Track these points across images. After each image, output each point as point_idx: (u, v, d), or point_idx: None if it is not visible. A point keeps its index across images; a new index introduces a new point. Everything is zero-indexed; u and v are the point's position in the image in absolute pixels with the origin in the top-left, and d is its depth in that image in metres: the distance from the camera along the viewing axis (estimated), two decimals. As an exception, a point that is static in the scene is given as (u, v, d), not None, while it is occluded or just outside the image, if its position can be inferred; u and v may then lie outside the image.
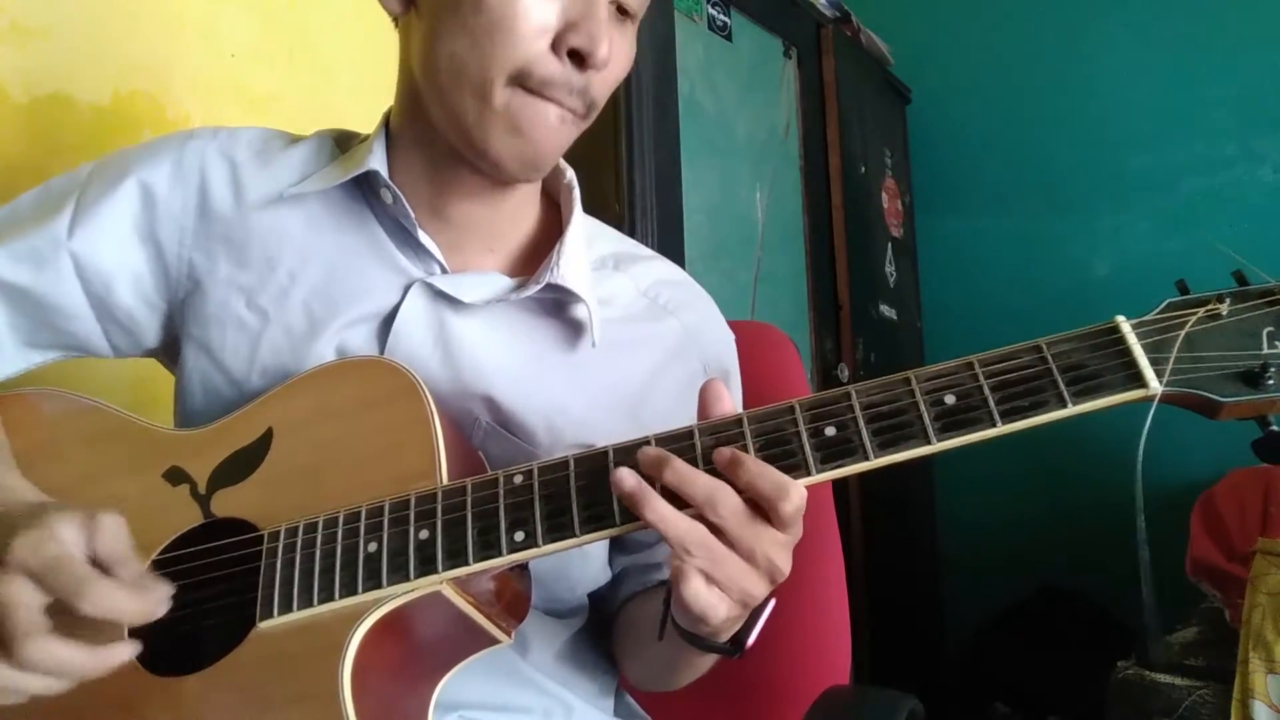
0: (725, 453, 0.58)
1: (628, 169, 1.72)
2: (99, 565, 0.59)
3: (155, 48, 1.24)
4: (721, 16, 2.01)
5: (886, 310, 2.51)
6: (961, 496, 2.57)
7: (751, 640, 0.65)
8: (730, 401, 0.62)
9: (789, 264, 2.18)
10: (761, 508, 0.57)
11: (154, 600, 0.59)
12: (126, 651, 0.59)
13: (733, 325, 0.93)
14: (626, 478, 0.58)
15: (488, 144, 0.72)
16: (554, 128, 0.72)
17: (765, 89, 2.16)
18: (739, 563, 0.57)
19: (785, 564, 0.59)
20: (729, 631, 0.64)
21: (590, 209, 0.92)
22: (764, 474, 0.57)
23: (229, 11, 1.31)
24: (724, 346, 0.88)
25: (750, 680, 0.87)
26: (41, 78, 1.12)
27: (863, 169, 2.44)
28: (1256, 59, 2.33)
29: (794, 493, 0.56)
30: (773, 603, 0.64)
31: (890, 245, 2.58)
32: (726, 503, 0.57)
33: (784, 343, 1.07)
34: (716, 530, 0.57)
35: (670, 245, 1.75)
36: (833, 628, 0.98)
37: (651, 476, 0.59)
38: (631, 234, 1.64)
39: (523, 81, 0.70)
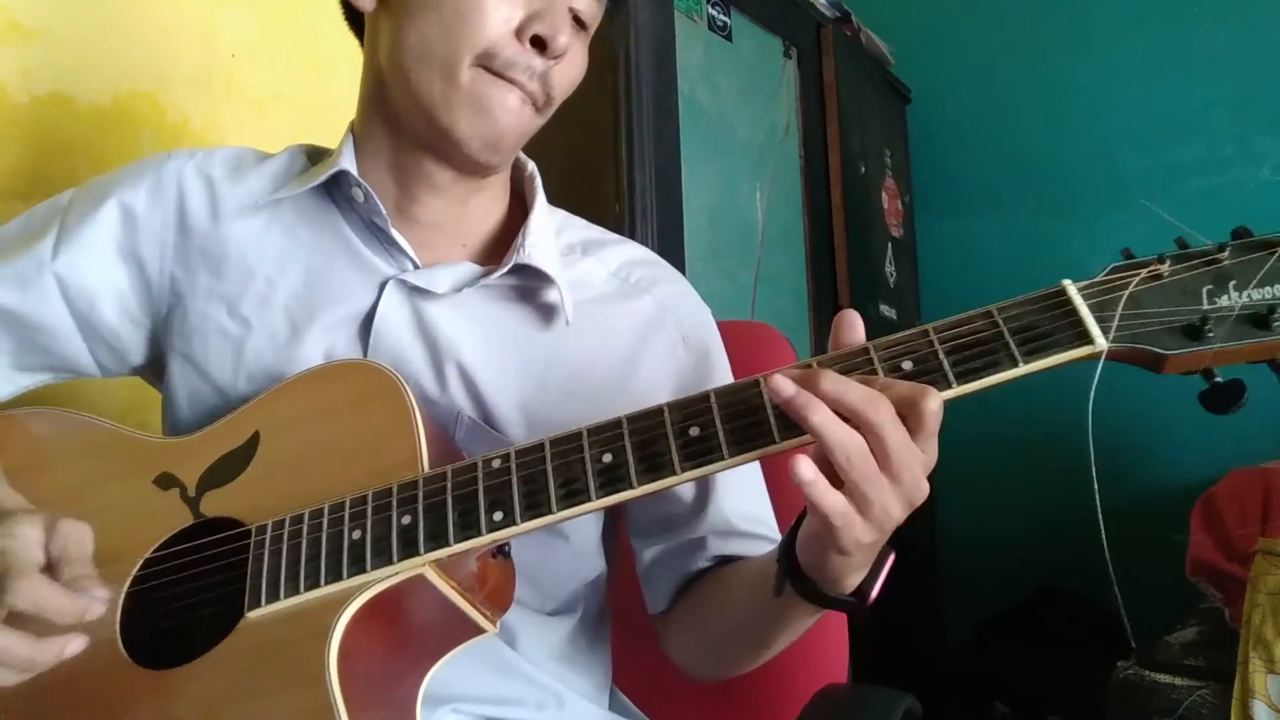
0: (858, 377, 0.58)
1: (628, 169, 1.72)
2: (50, 566, 0.62)
3: (155, 48, 1.24)
4: (721, 16, 2.01)
5: (886, 310, 2.51)
6: (960, 497, 2.56)
7: (875, 592, 0.65)
8: (861, 330, 0.62)
9: (789, 264, 2.18)
10: (905, 415, 0.57)
11: (85, 601, 0.61)
12: (70, 646, 0.61)
13: (732, 325, 0.93)
14: (785, 384, 0.58)
15: (453, 123, 0.75)
16: (515, 110, 0.75)
17: (765, 89, 2.16)
18: (885, 480, 0.57)
19: (925, 484, 0.58)
20: (853, 576, 0.64)
21: (590, 209, 0.93)
22: (897, 384, 0.57)
23: (229, 11, 1.32)
24: (700, 318, 0.89)
25: (747, 678, 0.87)
26: (41, 78, 1.12)
27: (863, 169, 2.44)
28: (1256, 59, 2.32)
29: (934, 394, 0.57)
30: (893, 556, 0.65)
31: (890, 245, 2.58)
32: (887, 407, 0.56)
33: (781, 344, 1.08)
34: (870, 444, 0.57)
35: (670, 245, 1.75)
36: (830, 625, 0.98)
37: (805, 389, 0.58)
38: (631, 234, 1.64)
39: (487, 63, 0.73)
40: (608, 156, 1.73)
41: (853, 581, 0.64)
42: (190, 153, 0.86)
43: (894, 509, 0.58)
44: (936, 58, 2.76)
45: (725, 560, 0.83)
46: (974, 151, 2.72)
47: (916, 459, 0.57)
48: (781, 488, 0.87)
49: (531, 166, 0.88)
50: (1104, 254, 2.53)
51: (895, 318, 2.55)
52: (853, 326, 0.62)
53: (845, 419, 0.57)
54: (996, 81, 2.68)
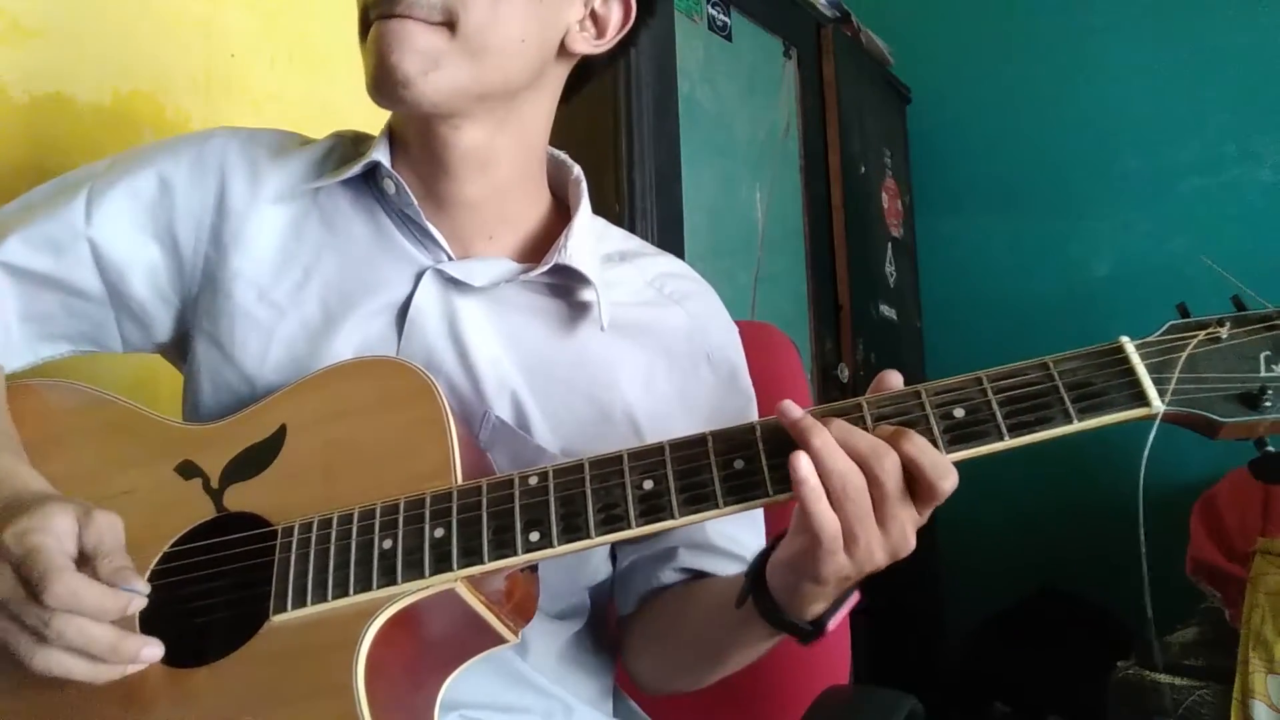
0: (888, 429, 0.60)
1: (628, 169, 1.72)
2: (84, 559, 0.60)
3: (155, 48, 1.24)
4: (721, 16, 2.01)
5: (886, 310, 2.51)
6: (961, 497, 2.56)
7: (833, 625, 0.66)
8: (899, 379, 0.64)
9: (789, 264, 2.18)
10: (917, 482, 0.58)
11: (125, 596, 0.60)
12: (149, 650, 0.60)
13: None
14: (793, 407, 0.60)
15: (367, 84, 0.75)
16: (396, 34, 0.71)
17: (765, 89, 2.16)
18: (875, 527, 0.58)
19: (913, 541, 0.60)
20: (816, 606, 0.65)
21: (590, 209, 0.93)
22: (928, 450, 0.58)
23: (229, 11, 1.31)
24: (728, 337, 0.89)
25: (750, 680, 0.86)
26: (41, 78, 1.12)
27: (863, 169, 2.44)
28: (1255, 59, 2.33)
29: (954, 477, 0.58)
30: (856, 595, 0.66)
31: (890, 245, 2.58)
32: (892, 461, 0.57)
33: (784, 344, 1.07)
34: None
35: (670, 245, 1.75)
36: (832, 627, 0.98)
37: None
38: (631, 234, 1.64)
39: (371, 12, 0.73)
40: (608, 156, 1.73)
41: (815, 610, 0.65)
42: (234, 132, 0.85)
43: (877, 554, 0.59)
44: (936, 58, 2.76)
45: (696, 576, 0.83)
46: (974, 151, 2.72)
47: (910, 517, 0.59)
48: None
49: (578, 171, 0.87)
50: (1104, 254, 2.54)
51: (895, 318, 2.55)
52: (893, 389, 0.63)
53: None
54: (996, 81, 2.68)
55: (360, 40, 0.74)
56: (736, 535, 0.83)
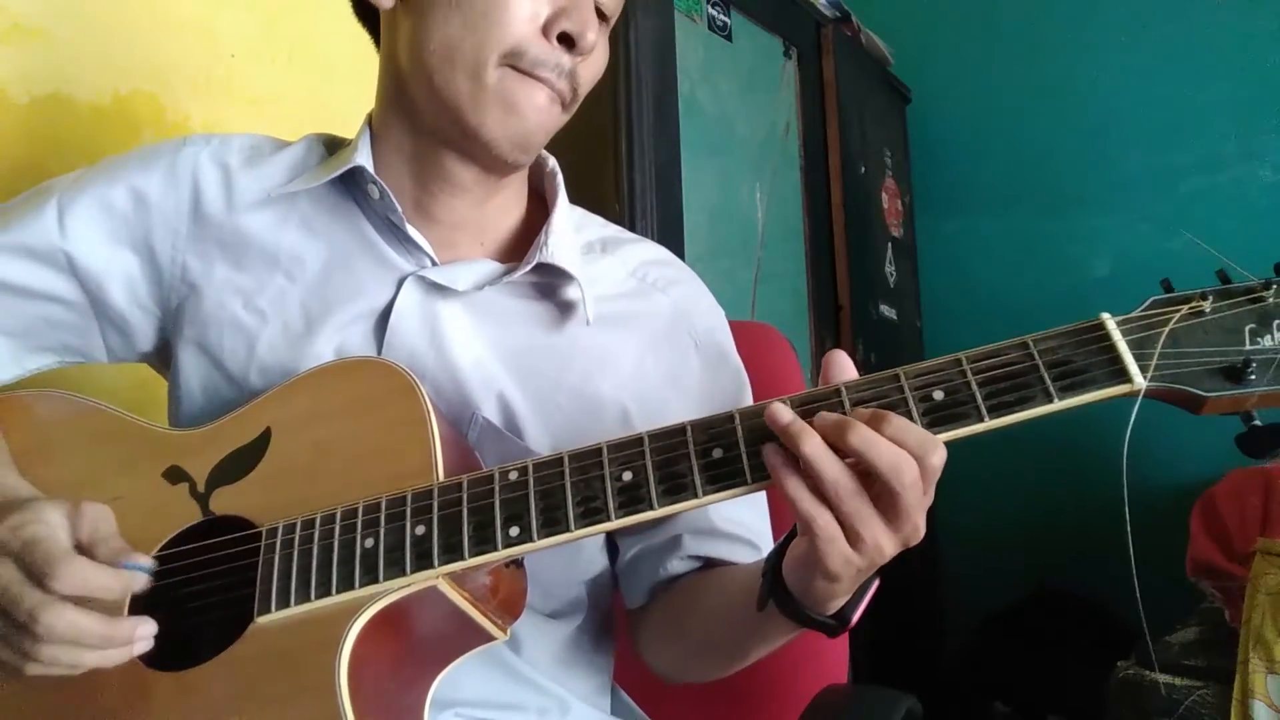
0: (865, 412, 0.58)
1: (628, 169, 1.72)
2: (82, 549, 0.61)
3: (155, 48, 1.24)
4: (721, 16, 2.01)
5: (886, 310, 2.51)
6: (960, 496, 2.56)
7: (856, 617, 0.65)
8: (853, 368, 0.63)
9: (789, 264, 2.18)
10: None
11: (129, 575, 0.60)
12: (144, 627, 0.60)
13: (733, 326, 0.93)
14: (783, 411, 0.58)
15: (482, 124, 0.74)
16: (544, 109, 0.74)
17: (765, 89, 2.16)
18: (881, 521, 0.57)
19: (922, 529, 0.59)
20: (836, 601, 0.64)
21: (590, 209, 0.93)
22: (910, 429, 0.56)
23: (229, 12, 1.32)
24: (713, 321, 0.89)
25: (748, 678, 0.87)
26: (41, 78, 1.12)
27: (863, 169, 2.44)
28: (1255, 59, 2.32)
29: (942, 450, 0.57)
30: (877, 582, 0.65)
31: (890, 245, 2.58)
32: (909, 469, 0.56)
33: (782, 344, 1.07)
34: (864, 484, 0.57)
35: (670, 245, 1.74)
36: (831, 626, 0.98)
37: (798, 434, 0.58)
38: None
39: (514, 62, 0.72)
40: (608, 156, 1.73)
41: (836, 605, 0.65)
42: (206, 139, 0.84)
43: (886, 547, 0.58)
44: (936, 58, 2.76)
45: (705, 563, 0.83)
46: (974, 151, 2.72)
47: (921, 509, 0.58)
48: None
49: (553, 163, 0.87)
50: (1104, 254, 2.53)
51: (895, 318, 2.55)
52: (844, 368, 0.62)
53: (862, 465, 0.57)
54: (996, 81, 2.68)
55: (491, 59, 0.72)
56: (740, 518, 0.83)
